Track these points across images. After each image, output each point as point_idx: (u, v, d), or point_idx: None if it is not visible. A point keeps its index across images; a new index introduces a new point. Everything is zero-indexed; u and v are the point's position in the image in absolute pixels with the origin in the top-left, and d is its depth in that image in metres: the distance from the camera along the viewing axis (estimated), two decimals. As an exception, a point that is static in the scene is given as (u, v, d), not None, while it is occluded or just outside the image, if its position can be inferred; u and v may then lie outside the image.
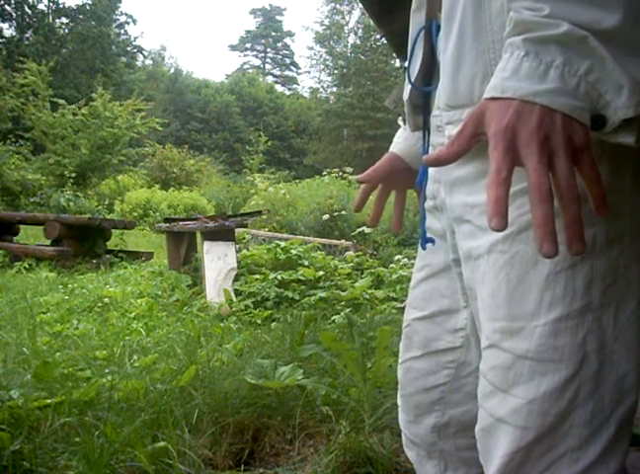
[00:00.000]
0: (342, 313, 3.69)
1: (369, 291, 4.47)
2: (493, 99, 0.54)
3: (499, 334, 0.64)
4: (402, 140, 1.02)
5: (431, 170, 0.83)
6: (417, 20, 0.81)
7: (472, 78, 0.65)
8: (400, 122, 1.04)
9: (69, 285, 5.04)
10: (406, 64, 0.82)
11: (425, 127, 0.84)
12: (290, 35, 48.59)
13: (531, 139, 0.51)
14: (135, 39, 37.36)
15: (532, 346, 0.62)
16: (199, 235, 5.01)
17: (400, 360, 0.96)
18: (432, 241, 0.87)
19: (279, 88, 43.06)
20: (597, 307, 0.61)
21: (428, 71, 0.81)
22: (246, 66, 48.17)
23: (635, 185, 0.62)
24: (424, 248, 0.89)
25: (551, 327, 0.61)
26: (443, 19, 0.69)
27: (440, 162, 0.58)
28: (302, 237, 6.97)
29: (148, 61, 39.03)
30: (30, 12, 29.02)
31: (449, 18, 0.68)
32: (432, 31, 0.79)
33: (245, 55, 49.34)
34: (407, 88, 0.85)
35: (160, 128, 17.03)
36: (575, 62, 0.51)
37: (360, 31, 30.30)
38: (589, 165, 0.53)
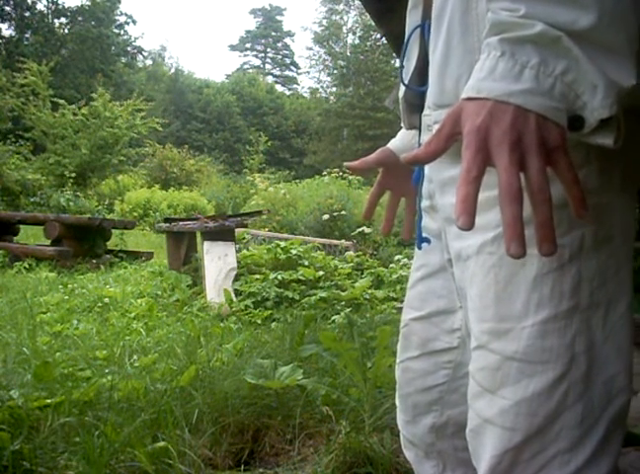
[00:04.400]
0: (342, 313, 3.69)
1: (369, 291, 4.48)
2: (469, 99, 0.53)
3: (487, 335, 0.64)
4: (399, 138, 1.02)
5: (426, 169, 0.82)
6: (413, 19, 0.81)
7: (458, 78, 0.65)
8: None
9: (69, 285, 5.05)
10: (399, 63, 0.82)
11: (420, 126, 0.84)
12: (290, 35, 48.58)
13: (503, 139, 0.51)
14: (135, 39, 37.41)
15: (520, 347, 0.61)
16: (199, 235, 5.01)
17: (398, 360, 0.96)
18: (427, 241, 0.87)
19: (279, 88, 43.08)
20: (585, 308, 0.61)
21: (422, 71, 0.81)
22: (246, 66, 48.17)
23: (625, 185, 0.62)
24: (419, 248, 0.89)
25: (539, 328, 0.61)
26: (434, 18, 0.69)
27: (417, 161, 0.57)
28: (302, 237, 6.99)
29: (148, 61, 39.07)
30: (29, 12, 29.03)
31: (439, 17, 0.68)
32: (424, 30, 0.79)
33: (245, 55, 49.36)
34: (402, 87, 0.85)
35: (160, 128, 17.05)
36: (551, 63, 0.51)
37: (359, 30, 30.32)
38: (565, 166, 0.52)
